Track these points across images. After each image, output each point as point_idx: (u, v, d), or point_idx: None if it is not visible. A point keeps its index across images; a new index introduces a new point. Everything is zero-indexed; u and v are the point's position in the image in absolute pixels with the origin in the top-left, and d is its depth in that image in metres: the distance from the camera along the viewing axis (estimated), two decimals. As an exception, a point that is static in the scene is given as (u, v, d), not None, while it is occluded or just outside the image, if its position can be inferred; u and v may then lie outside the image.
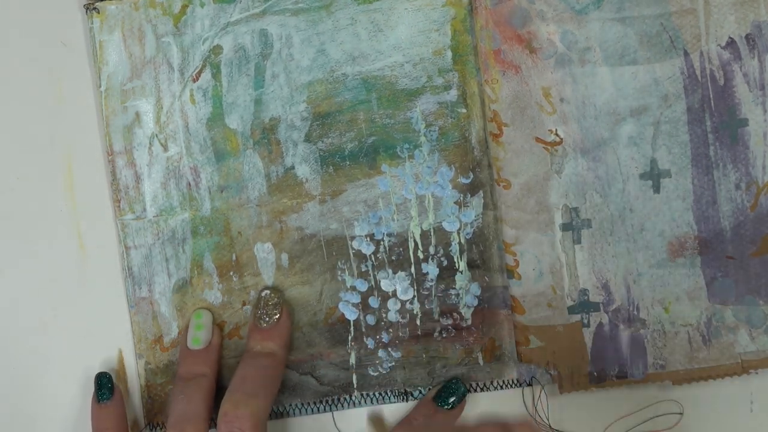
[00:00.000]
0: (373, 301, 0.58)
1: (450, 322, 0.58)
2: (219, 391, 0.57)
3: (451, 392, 0.58)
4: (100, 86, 0.59)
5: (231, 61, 0.58)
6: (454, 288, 0.58)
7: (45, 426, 0.60)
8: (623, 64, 0.57)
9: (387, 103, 0.58)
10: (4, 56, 0.60)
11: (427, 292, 0.58)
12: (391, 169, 0.58)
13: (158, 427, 0.59)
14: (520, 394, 0.59)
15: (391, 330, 0.58)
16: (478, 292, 0.58)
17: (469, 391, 0.59)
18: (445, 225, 0.58)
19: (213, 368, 0.57)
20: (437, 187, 0.58)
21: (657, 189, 0.57)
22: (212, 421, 0.57)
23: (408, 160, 0.58)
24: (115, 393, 0.58)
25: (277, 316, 0.57)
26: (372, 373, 0.59)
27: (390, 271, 0.58)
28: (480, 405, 0.59)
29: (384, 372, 0.59)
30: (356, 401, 0.59)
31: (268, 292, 0.58)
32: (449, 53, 0.58)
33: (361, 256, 0.58)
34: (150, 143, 0.59)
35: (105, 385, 0.58)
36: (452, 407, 0.57)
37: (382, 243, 0.58)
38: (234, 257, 0.59)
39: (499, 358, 0.59)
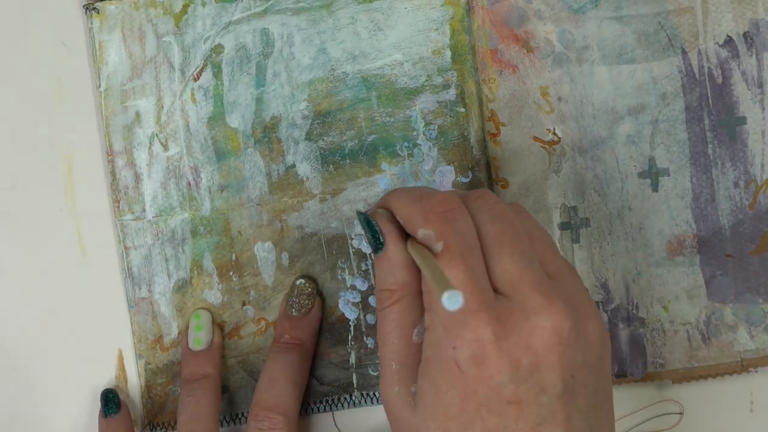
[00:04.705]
0: (374, 301, 0.58)
1: (450, 320, 0.58)
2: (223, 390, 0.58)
3: None
4: (99, 86, 0.59)
5: (232, 60, 0.58)
6: (455, 286, 0.58)
7: (44, 427, 0.60)
8: (621, 62, 0.57)
9: (387, 101, 0.58)
10: (4, 56, 0.60)
11: (427, 290, 0.58)
12: (391, 168, 0.58)
13: (158, 427, 0.59)
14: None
15: (391, 329, 0.58)
16: (479, 291, 0.58)
17: None
18: (446, 223, 0.58)
19: (217, 368, 0.57)
20: (436, 185, 0.58)
21: (655, 187, 0.58)
22: (220, 420, 0.58)
23: (407, 158, 0.58)
24: (121, 407, 0.58)
25: (308, 307, 0.57)
26: (372, 373, 0.59)
27: (391, 269, 0.58)
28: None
29: (384, 371, 0.59)
30: (356, 401, 0.59)
31: (303, 281, 0.58)
32: (448, 52, 0.58)
33: (361, 255, 0.58)
34: (150, 143, 0.59)
35: (112, 400, 0.58)
36: None
37: (382, 241, 0.58)
38: (234, 257, 0.59)
39: (500, 356, 0.59)
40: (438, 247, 0.45)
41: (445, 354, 0.45)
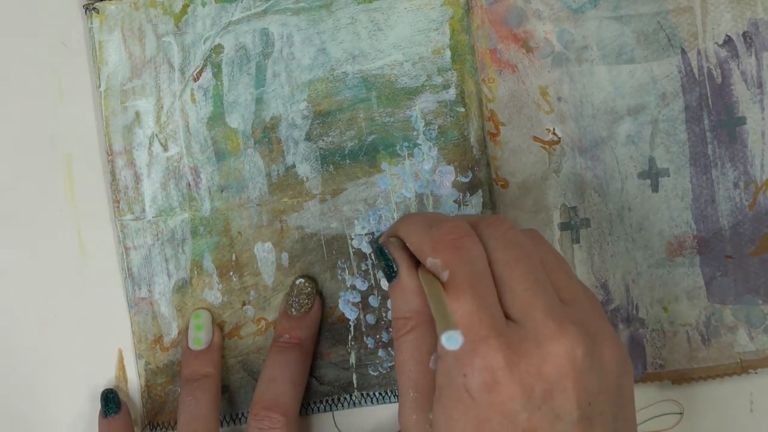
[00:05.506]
0: (373, 300, 0.58)
1: (450, 320, 0.58)
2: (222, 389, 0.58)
3: None
4: (99, 86, 0.59)
5: (232, 60, 0.59)
6: (454, 286, 0.58)
7: (44, 427, 0.60)
8: (620, 62, 0.57)
9: (387, 101, 0.58)
10: (5, 56, 0.60)
11: (427, 290, 0.58)
12: (391, 168, 0.58)
13: (158, 427, 0.59)
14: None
15: (391, 329, 0.58)
16: (478, 291, 0.58)
17: None
18: (445, 223, 0.58)
19: (217, 368, 0.57)
20: (436, 185, 0.58)
21: (655, 188, 0.58)
22: (220, 420, 0.58)
23: (407, 158, 0.58)
24: (121, 407, 0.58)
25: (308, 306, 0.57)
26: (372, 373, 0.59)
27: (390, 268, 0.58)
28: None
29: (384, 371, 0.59)
30: (356, 401, 0.59)
31: (302, 280, 0.58)
32: (448, 52, 0.58)
33: (361, 255, 0.58)
34: (150, 143, 0.59)
35: (112, 400, 0.58)
36: None
37: (382, 241, 0.58)
38: (234, 257, 0.59)
39: (500, 356, 0.58)
40: (445, 276, 0.45)
41: (456, 382, 0.44)
